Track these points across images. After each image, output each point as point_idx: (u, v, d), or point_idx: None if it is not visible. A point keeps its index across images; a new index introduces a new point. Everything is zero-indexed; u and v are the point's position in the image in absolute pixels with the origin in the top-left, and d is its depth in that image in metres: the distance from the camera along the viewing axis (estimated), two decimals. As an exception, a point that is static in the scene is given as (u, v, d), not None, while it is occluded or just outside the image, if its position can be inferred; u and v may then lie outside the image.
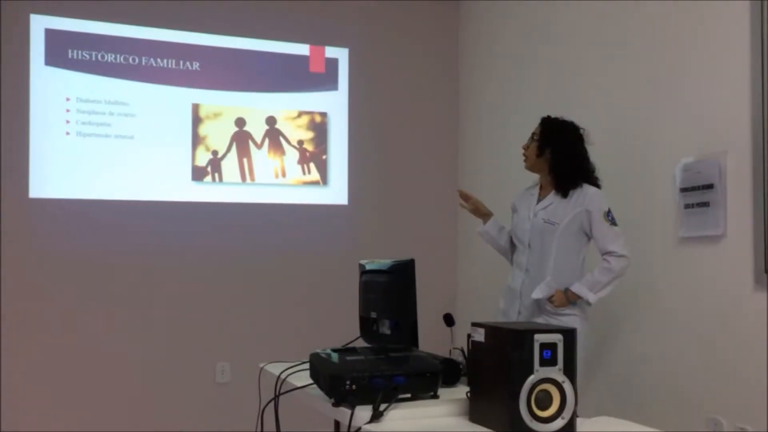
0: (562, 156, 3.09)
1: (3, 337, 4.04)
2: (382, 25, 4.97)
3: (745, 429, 2.86)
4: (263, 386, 2.45)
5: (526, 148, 3.20)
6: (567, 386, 1.69)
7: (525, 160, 3.21)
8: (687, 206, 3.14)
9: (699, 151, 3.12)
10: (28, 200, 4.13)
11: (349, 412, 1.78)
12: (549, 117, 3.19)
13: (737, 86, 2.97)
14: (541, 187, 3.23)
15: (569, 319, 3.00)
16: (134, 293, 4.33)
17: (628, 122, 3.56)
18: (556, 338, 1.71)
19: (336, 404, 1.85)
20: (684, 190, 3.14)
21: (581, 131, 3.15)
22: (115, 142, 4.31)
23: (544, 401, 1.68)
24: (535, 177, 3.28)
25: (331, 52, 4.82)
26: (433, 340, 2.65)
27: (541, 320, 3.04)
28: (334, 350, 2.06)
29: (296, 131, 4.73)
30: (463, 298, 5.06)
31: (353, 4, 4.86)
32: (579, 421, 1.76)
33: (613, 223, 3.02)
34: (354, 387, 1.82)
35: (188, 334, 4.42)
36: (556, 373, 1.69)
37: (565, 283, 3.05)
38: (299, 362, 2.36)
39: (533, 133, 3.19)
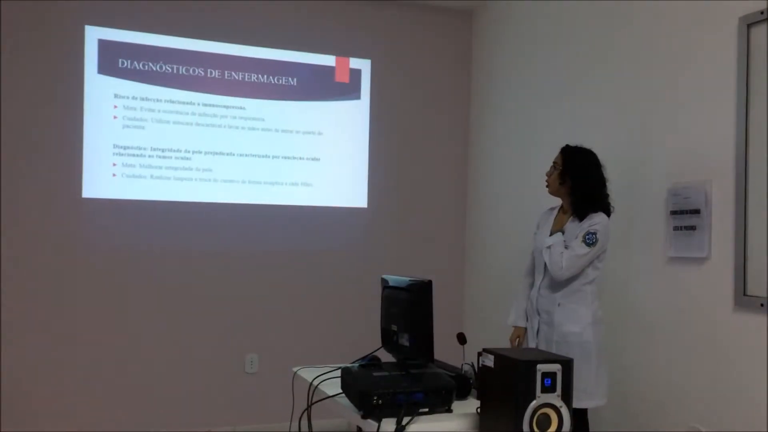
0: (582, 183, 3.26)
1: (19, 337, 4.25)
2: (400, 37, 5.21)
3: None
4: (288, 377, 2.84)
5: (549, 175, 3.36)
6: (564, 410, 2.00)
7: (547, 186, 3.38)
8: (676, 228, 3.40)
9: (687, 178, 3.36)
10: (81, 200, 4.39)
11: (376, 424, 2.10)
12: (569, 146, 3.35)
13: (723, 120, 3.19)
14: (562, 210, 3.41)
15: (583, 332, 3.20)
16: (150, 292, 4.57)
17: (624, 148, 3.76)
18: (556, 368, 2.01)
19: (365, 416, 2.16)
20: (674, 213, 3.40)
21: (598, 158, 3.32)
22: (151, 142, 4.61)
23: (544, 423, 1.99)
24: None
25: (354, 62, 5.07)
26: (442, 341, 2.86)
27: (556, 336, 3.23)
28: (362, 366, 2.37)
29: (312, 136, 4.98)
30: (471, 303, 5.32)
31: (374, 19, 5.11)
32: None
33: (589, 243, 3.16)
34: (380, 402, 2.14)
35: (217, 329, 4.70)
36: (554, 398, 2.00)
37: (575, 301, 3.23)
38: (328, 369, 2.68)
39: (555, 162, 3.36)
